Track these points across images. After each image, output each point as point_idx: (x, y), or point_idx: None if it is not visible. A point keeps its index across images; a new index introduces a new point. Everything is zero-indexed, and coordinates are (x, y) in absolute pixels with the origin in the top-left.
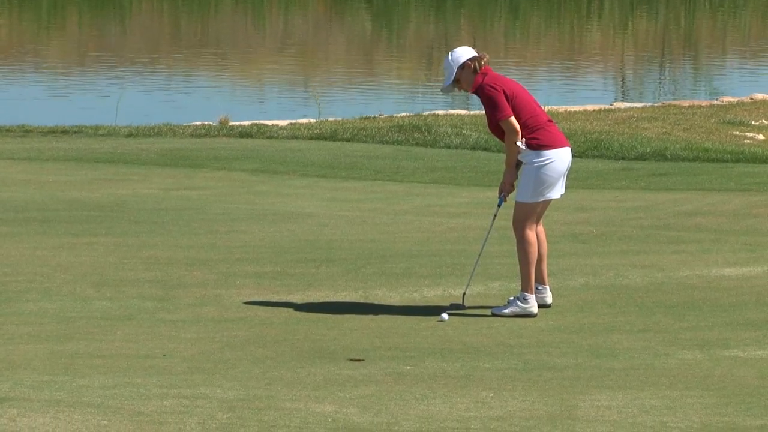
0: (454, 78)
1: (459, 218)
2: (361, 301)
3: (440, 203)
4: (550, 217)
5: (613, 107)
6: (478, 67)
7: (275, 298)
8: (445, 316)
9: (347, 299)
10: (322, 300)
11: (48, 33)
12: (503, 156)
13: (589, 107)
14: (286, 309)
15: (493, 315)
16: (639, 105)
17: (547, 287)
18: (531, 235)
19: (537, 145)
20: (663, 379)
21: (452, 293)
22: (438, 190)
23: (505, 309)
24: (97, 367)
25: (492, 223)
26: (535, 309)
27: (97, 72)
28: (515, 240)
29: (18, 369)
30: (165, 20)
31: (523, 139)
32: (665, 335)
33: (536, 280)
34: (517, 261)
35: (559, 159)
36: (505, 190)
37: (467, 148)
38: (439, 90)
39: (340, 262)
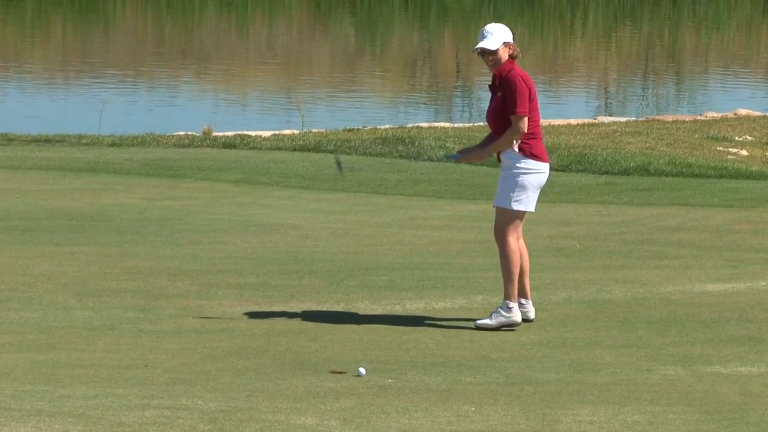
0: (497, 49)
1: (442, 231)
2: (344, 313)
3: (423, 216)
4: (533, 231)
5: (596, 121)
6: (515, 54)
7: (257, 310)
8: (362, 370)
9: (329, 311)
10: (304, 312)
11: (31, 41)
12: (488, 169)
13: (573, 121)
14: (268, 320)
15: (478, 328)
16: (623, 119)
17: (530, 302)
18: (513, 242)
19: (529, 152)
20: (645, 395)
21: (434, 306)
22: (421, 203)
23: (489, 320)
24: (79, 377)
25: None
26: (519, 318)
27: (81, 81)
28: (498, 249)
29: None
30: (149, 29)
31: (519, 141)
32: (647, 351)
33: (519, 295)
34: (500, 275)
35: (542, 173)
36: (465, 158)
37: (451, 161)
38: (473, 49)
39: (322, 274)
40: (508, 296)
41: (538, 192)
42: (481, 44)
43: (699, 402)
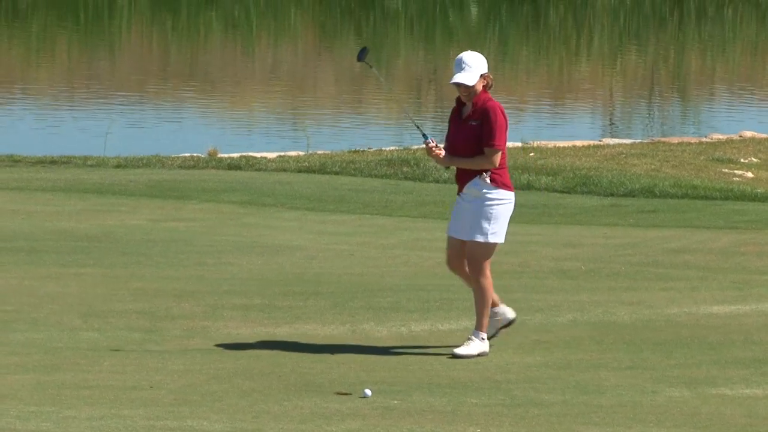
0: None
1: None
2: (349, 334)
3: (429, 237)
4: (538, 252)
5: (602, 143)
6: (490, 84)
7: (263, 331)
8: (368, 392)
9: (335, 333)
10: (309, 333)
11: (37, 63)
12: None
13: (578, 143)
14: (273, 342)
15: (456, 357)
16: (628, 141)
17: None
18: (489, 274)
19: (501, 183)
20: (650, 417)
21: (440, 328)
22: (426, 225)
23: (469, 350)
24: (84, 398)
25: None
26: (488, 348)
27: (86, 102)
28: (473, 282)
29: (4, 399)
30: (154, 51)
31: (489, 173)
32: (653, 372)
33: (491, 305)
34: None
35: (512, 202)
36: (431, 153)
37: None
38: (450, 81)
39: (327, 295)
40: (481, 327)
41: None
42: (460, 79)
43: (704, 424)
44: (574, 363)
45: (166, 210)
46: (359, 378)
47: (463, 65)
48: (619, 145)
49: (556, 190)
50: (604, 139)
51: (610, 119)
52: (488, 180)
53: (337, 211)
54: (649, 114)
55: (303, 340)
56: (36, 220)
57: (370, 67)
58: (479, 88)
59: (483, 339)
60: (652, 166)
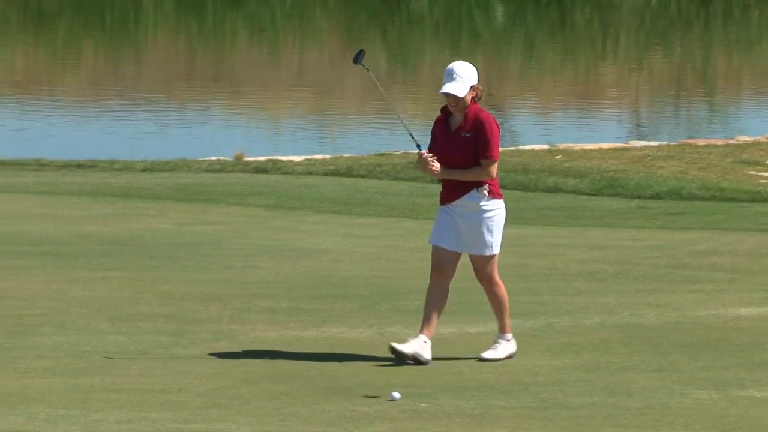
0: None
1: None
2: (376, 337)
3: None
4: (566, 255)
5: (628, 145)
6: (480, 96)
7: (290, 334)
8: (396, 395)
9: (362, 336)
10: (336, 336)
11: (63, 66)
12: (518, 193)
13: (605, 145)
14: (300, 345)
15: (483, 360)
16: (654, 144)
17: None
18: (499, 278)
19: (498, 193)
20: (678, 419)
21: (467, 331)
22: None
23: (497, 353)
24: (112, 401)
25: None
26: (515, 348)
27: (113, 106)
28: (486, 291)
29: (33, 403)
30: (180, 54)
31: (487, 186)
32: (681, 375)
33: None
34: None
35: (505, 209)
36: (426, 165)
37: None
38: (439, 91)
39: (354, 298)
40: (505, 329)
41: None
42: (450, 89)
43: (733, 426)
44: (602, 365)
45: (192, 213)
46: (387, 381)
47: (455, 75)
48: (646, 147)
49: (583, 192)
50: (630, 142)
51: (637, 121)
52: (486, 193)
53: (364, 214)
54: (676, 116)
55: (330, 344)
56: (63, 224)
57: (367, 70)
58: (468, 99)
59: (509, 340)
60: (679, 169)
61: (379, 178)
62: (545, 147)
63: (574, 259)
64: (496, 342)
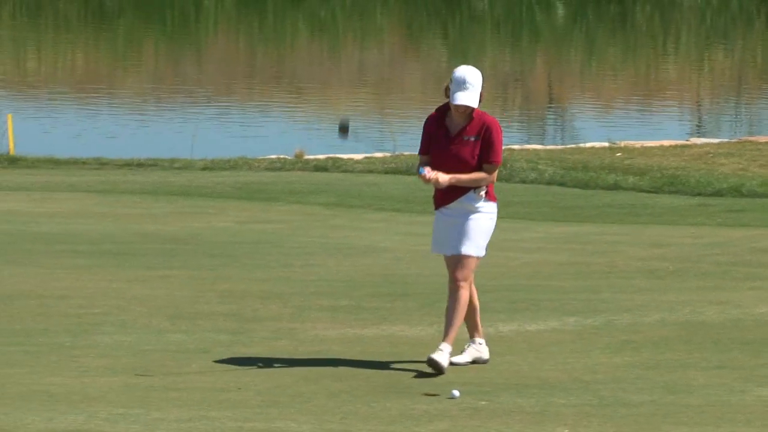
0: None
1: (534, 253)
2: (436, 335)
3: (515, 238)
4: (626, 252)
5: (689, 143)
6: (482, 99)
7: (350, 333)
8: (455, 393)
9: (422, 334)
10: (397, 334)
11: (124, 65)
12: (577, 190)
13: (665, 143)
14: (360, 343)
15: (453, 364)
16: (715, 141)
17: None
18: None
19: (494, 197)
20: (739, 416)
21: (527, 328)
22: (513, 225)
23: (463, 357)
24: (172, 400)
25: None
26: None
27: (173, 105)
28: (454, 293)
29: (93, 402)
30: (241, 53)
31: (485, 188)
32: (741, 372)
33: (475, 334)
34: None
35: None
36: (433, 179)
37: (543, 183)
38: (453, 102)
39: (415, 296)
40: (451, 339)
41: None
42: (465, 101)
43: None
44: (662, 363)
45: (252, 212)
46: (447, 379)
47: (467, 85)
48: (707, 144)
49: (644, 190)
50: (691, 139)
51: (698, 119)
52: (483, 194)
53: (425, 212)
54: (737, 113)
55: (390, 342)
56: (123, 222)
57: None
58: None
59: (482, 343)
60: (740, 166)
61: None
62: (606, 144)
63: (634, 257)
64: (440, 350)
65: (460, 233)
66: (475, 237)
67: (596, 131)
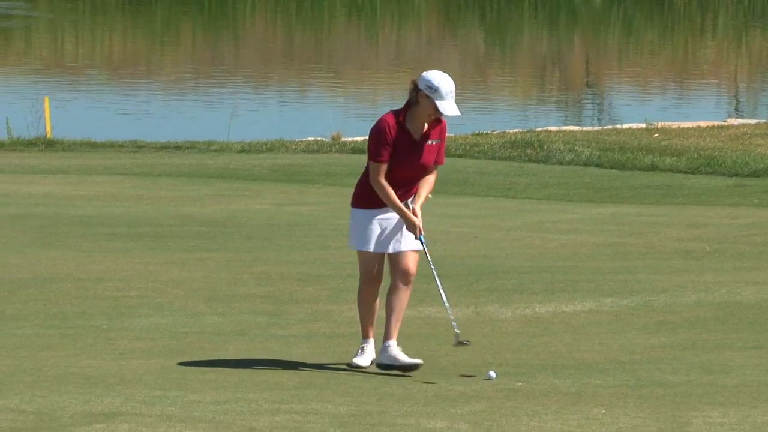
0: None
1: (571, 234)
2: (473, 316)
3: (552, 219)
4: (662, 233)
5: (726, 124)
6: None
7: (381, 314)
8: (492, 374)
9: (459, 315)
10: (433, 316)
11: (161, 49)
12: (615, 172)
13: (702, 123)
14: None
15: (352, 365)
16: (752, 121)
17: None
18: None
19: None
20: None
21: (564, 309)
22: (550, 207)
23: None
24: (209, 382)
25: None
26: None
27: (210, 87)
28: (407, 287)
29: (130, 384)
30: (278, 36)
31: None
32: None
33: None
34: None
35: None
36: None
37: (580, 164)
38: (449, 111)
39: (452, 278)
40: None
41: None
42: (457, 112)
43: None
44: (698, 343)
45: (289, 194)
46: (483, 360)
47: (453, 94)
48: (744, 125)
49: (681, 170)
50: (728, 120)
51: (735, 99)
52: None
53: (461, 193)
54: None
55: (427, 323)
56: (160, 205)
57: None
58: None
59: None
60: None
61: (476, 158)
62: (642, 126)
63: (671, 238)
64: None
65: (404, 231)
66: (408, 233)
67: (633, 112)
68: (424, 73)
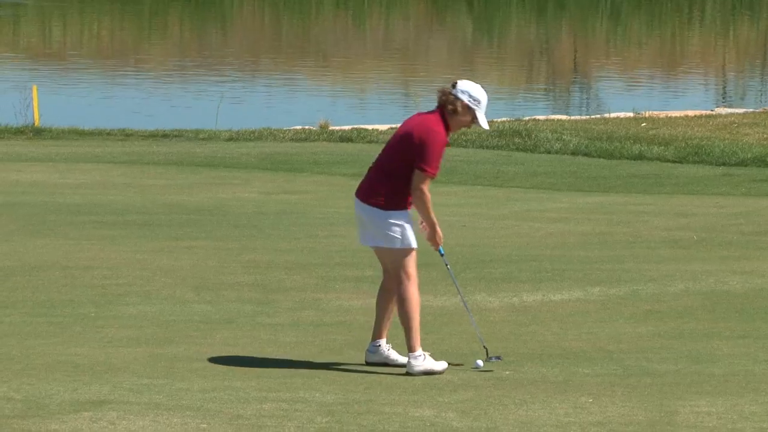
0: None
1: (559, 223)
2: (461, 305)
3: (540, 208)
4: (650, 222)
5: (714, 113)
6: None
7: (374, 303)
8: (480, 362)
9: (447, 304)
10: (421, 304)
11: (149, 37)
12: (602, 161)
13: (690, 113)
14: None
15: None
16: (740, 111)
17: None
18: None
19: None
20: (763, 386)
21: (552, 298)
22: (538, 195)
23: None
24: (197, 370)
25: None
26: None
27: (198, 76)
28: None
29: (118, 372)
30: (266, 24)
31: None
32: (765, 341)
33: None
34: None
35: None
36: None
37: (567, 153)
38: (486, 127)
39: (439, 266)
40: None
41: (358, 224)
42: (487, 125)
43: None
44: (686, 332)
45: (277, 183)
46: (471, 349)
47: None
48: (732, 114)
49: (668, 159)
50: (716, 109)
51: (722, 89)
52: None
53: (449, 182)
54: (762, 83)
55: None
56: (148, 193)
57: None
58: None
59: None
60: (765, 135)
61: (464, 147)
62: (630, 115)
63: (659, 227)
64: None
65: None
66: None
67: (621, 101)
68: (461, 84)
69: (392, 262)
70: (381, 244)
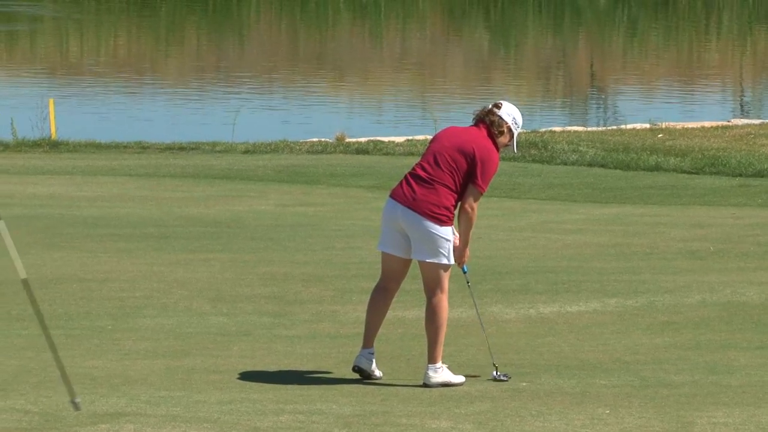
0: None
1: (575, 235)
2: (476, 319)
3: (556, 220)
4: (667, 234)
5: (730, 124)
6: None
7: (390, 315)
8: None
9: (463, 315)
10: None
11: (166, 50)
12: (619, 172)
13: (707, 124)
14: (401, 325)
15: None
16: (757, 122)
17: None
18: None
19: None
20: None
21: (568, 310)
22: (554, 207)
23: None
24: (214, 382)
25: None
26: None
27: (215, 89)
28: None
29: (135, 384)
30: (283, 37)
31: None
32: None
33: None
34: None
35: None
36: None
37: (584, 165)
38: (515, 152)
39: (455, 278)
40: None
41: (386, 228)
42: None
43: None
44: (703, 343)
45: (294, 195)
46: (488, 360)
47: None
48: (748, 125)
49: (685, 171)
50: (732, 120)
51: (739, 100)
52: None
53: None
54: None
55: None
56: (165, 206)
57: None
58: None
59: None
60: None
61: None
62: (647, 126)
63: (675, 238)
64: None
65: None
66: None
67: (637, 112)
68: (507, 106)
69: (432, 275)
70: (425, 258)
